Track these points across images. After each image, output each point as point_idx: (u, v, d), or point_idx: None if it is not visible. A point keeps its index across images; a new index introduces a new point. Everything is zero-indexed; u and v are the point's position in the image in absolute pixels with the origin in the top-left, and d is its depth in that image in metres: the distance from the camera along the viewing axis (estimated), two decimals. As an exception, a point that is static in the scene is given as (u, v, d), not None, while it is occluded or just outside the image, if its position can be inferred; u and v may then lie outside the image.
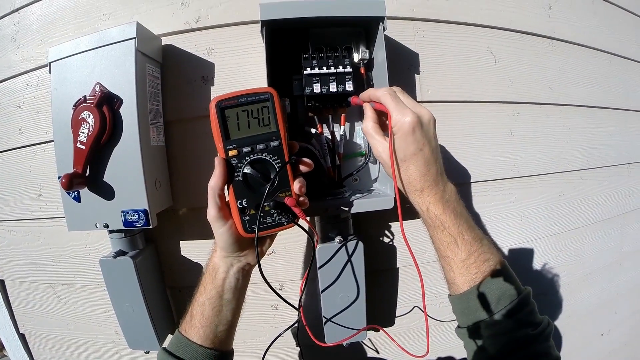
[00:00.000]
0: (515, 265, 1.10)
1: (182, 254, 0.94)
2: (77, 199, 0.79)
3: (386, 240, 0.97)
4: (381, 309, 1.03)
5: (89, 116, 0.72)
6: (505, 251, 1.09)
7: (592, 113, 1.18)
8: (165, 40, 0.85)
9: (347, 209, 0.70)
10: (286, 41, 0.75)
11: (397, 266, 0.99)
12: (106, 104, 0.73)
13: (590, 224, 1.27)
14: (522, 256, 1.13)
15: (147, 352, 0.93)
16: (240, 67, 0.85)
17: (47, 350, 1.20)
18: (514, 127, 1.01)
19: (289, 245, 0.94)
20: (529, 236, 1.11)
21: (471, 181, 0.97)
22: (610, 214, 1.33)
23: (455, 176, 0.95)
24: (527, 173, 1.05)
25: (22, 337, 1.22)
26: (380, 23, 0.70)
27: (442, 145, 0.93)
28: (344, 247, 0.76)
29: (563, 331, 1.36)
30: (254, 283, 0.92)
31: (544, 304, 1.27)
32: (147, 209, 0.75)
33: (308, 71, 0.71)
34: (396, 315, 1.04)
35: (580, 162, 1.17)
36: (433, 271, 1.01)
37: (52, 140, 0.91)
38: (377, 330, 1.02)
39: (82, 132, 0.72)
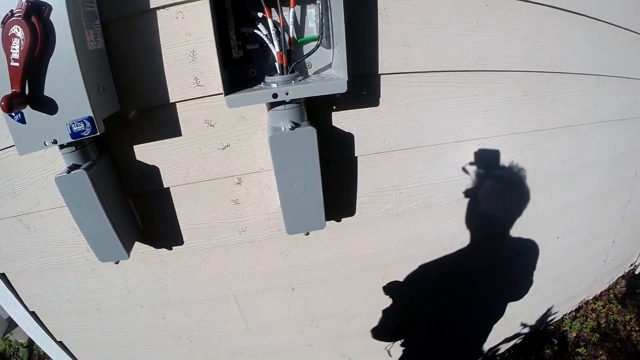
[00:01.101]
0: (481, 158, 1.16)
1: (137, 158, 0.94)
2: (22, 120, 0.76)
3: (343, 128, 0.98)
4: (341, 199, 1.08)
5: (19, 30, 0.68)
6: (468, 144, 1.12)
7: (564, 17, 1.15)
8: None
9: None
10: None
11: (356, 155, 1.01)
12: (34, 13, 0.68)
13: (554, 129, 1.29)
14: (486, 150, 1.16)
15: (116, 263, 0.95)
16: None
17: (28, 283, 1.23)
18: (481, 19, 0.99)
19: (242, 135, 0.94)
20: (493, 132, 1.13)
21: (432, 70, 0.96)
22: (575, 122, 1.36)
23: (415, 64, 0.94)
24: (492, 68, 1.05)
25: (3, 277, 1.22)
26: None
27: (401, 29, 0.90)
28: (297, 136, 0.76)
29: (522, 230, 1.45)
30: (213, 179, 0.94)
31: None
32: (92, 115, 0.73)
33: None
34: (356, 204, 1.09)
35: (548, 64, 1.17)
36: (391, 161, 1.06)
37: None
38: (338, 220, 1.06)
39: (14, 49, 0.68)
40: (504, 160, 1.23)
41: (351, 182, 1.09)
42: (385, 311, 1.43)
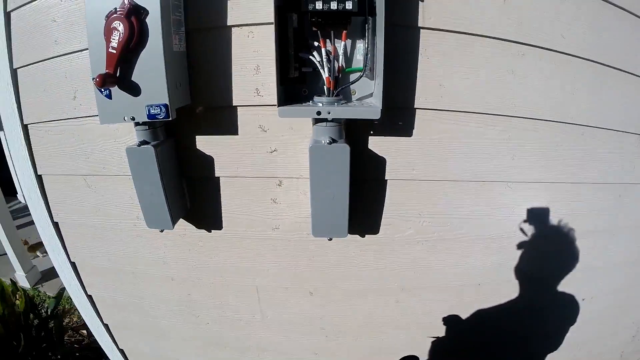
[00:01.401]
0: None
1: (197, 147, 1.12)
2: (109, 96, 0.96)
3: (377, 152, 1.10)
4: (368, 217, 1.20)
5: (120, 25, 0.88)
6: (494, 185, 1.19)
7: (603, 71, 1.21)
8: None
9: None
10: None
11: (386, 178, 1.12)
12: (134, 14, 0.88)
13: (587, 183, 1.32)
14: (513, 194, 1.22)
15: (161, 231, 1.12)
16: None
17: (77, 237, 1.45)
18: (517, 67, 1.08)
19: (289, 143, 1.09)
20: (520, 177, 1.20)
21: (465, 110, 1.06)
22: (610, 180, 1.37)
23: (448, 103, 1.05)
24: (525, 114, 1.13)
25: (56, 226, 1.45)
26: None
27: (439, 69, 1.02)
28: (333, 150, 0.89)
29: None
30: (258, 177, 1.09)
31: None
32: (168, 104, 0.91)
33: (312, -12, 0.81)
34: (381, 224, 1.20)
35: (583, 118, 1.22)
36: (418, 189, 1.15)
37: (85, 49, 1.08)
38: (362, 236, 1.16)
39: (114, 39, 0.88)
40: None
41: (379, 203, 1.19)
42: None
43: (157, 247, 1.35)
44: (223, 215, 1.22)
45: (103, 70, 0.89)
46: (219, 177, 1.17)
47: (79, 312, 2.77)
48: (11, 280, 2.07)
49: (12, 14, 1.18)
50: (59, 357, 1.99)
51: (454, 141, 1.12)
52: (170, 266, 1.38)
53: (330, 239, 1.10)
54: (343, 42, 0.91)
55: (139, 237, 1.35)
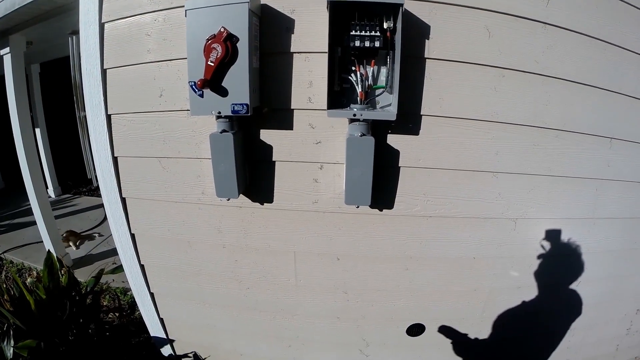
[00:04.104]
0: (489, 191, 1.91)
1: (260, 137, 1.86)
2: (201, 95, 1.66)
3: (394, 146, 1.83)
4: (385, 195, 1.92)
5: (218, 46, 1.58)
6: (482, 175, 1.90)
7: (575, 88, 1.91)
8: (262, 1, 1.70)
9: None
10: (341, 11, 1.56)
11: (399, 165, 1.85)
12: (229, 40, 1.58)
13: (564, 177, 2.02)
14: (498, 183, 1.93)
15: (228, 200, 1.82)
16: (312, 24, 1.69)
17: (141, 211, 2.16)
18: (499, 85, 1.79)
19: (330, 138, 1.82)
20: (503, 169, 1.91)
21: (458, 117, 1.78)
22: (586, 175, 2.06)
23: (446, 111, 1.77)
24: (505, 120, 1.83)
25: (123, 201, 2.16)
26: (400, 7, 1.51)
27: (438, 87, 1.75)
28: (363, 141, 1.61)
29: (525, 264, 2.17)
30: (306, 162, 1.81)
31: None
32: (248, 103, 1.62)
33: (352, 32, 1.55)
34: (395, 201, 1.93)
35: (557, 123, 1.91)
36: (423, 175, 1.86)
37: (175, 59, 1.82)
38: (380, 210, 1.89)
39: (212, 55, 1.59)
40: (511, 193, 2.00)
41: (394, 184, 1.90)
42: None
43: (215, 218, 2.06)
44: (275, 191, 1.94)
45: (198, 77, 1.59)
46: (274, 161, 1.88)
47: (109, 296, 3.52)
48: (57, 257, 2.75)
49: (106, 25, 1.90)
50: (92, 327, 2.70)
51: (450, 139, 1.82)
52: (224, 234, 2.08)
53: (358, 207, 1.82)
54: (372, 68, 1.63)
55: (200, 210, 2.05)
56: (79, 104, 3.82)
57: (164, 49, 1.85)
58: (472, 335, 2.38)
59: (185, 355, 2.67)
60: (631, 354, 2.99)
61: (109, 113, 2.02)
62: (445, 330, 2.34)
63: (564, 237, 2.17)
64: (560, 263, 2.26)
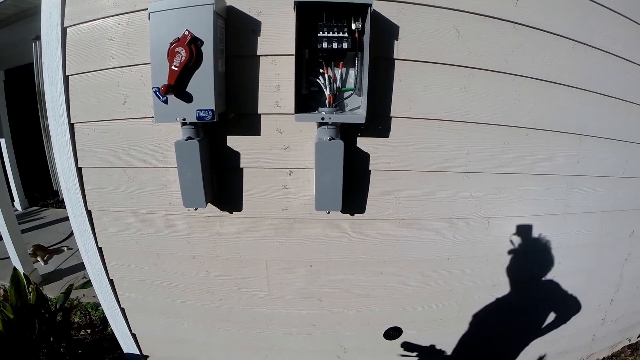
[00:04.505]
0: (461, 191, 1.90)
1: (227, 144, 1.80)
2: (165, 101, 1.60)
3: (363, 149, 1.80)
4: (356, 199, 1.89)
5: (182, 50, 1.52)
6: (453, 175, 1.89)
7: (544, 86, 1.92)
8: (228, 2, 1.64)
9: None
10: (308, 12, 1.52)
11: (370, 169, 1.82)
12: (193, 43, 1.53)
13: (535, 174, 2.03)
14: (470, 183, 1.92)
15: (195, 209, 1.76)
16: (279, 26, 1.64)
17: (107, 223, 2.08)
18: (469, 85, 1.78)
19: (299, 142, 1.78)
20: (473, 169, 1.90)
21: (428, 117, 1.76)
22: (557, 172, 2.08)
23: (416, 112, 1.75)
24: (475, 120, 1.82)
25: (89, 213, 2.07)
26: (369, 7, 1.48)
27: (408, 88, 1.72)
28: (332, 145, 1.57)
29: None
30: (274, 168, 1.76)
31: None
32: (214, 109, 1.56)
33: (320, 34, 1.50)
34: (366, 205, 1.89)
35: (527, 122, 1.92)
36: (394, 178, 1.83)
37: (138, 64, 1.75)
38: (352, 215, 1.85)
39: (176, 60, 1.53)
40: (482, 194, 1.99)
41: (364, 188, 1.86)
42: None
43: (183, 229, 1.98)
44: (244, 198, 1.88)
45: (162, 82, 1.52)
46: (242, 168, 1.82)
47: (80, 312, 3.39)
48: (24, 274, 2.63)
49: (68, 30, 1.81)
50: (64, 345, 2.58)
51: (420, 141, 1.80)
52: (193, 245, 2.01)
53: (329, 213, 1.78)
54: (340, 70, 1.59)
55: (168, 221, 1.98)
56: (44, 113, 3.69)
57: (127, 54, 1.78)
58: (447, 338, 2.38)
59: (159, 370, 2.59)
60: (606, 343, 3.05)
61: (72, 122, 1.92)
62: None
63: (537, 234, 2.19)
64: (534, 259, 2.28)
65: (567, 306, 2.53)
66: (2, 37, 3.45)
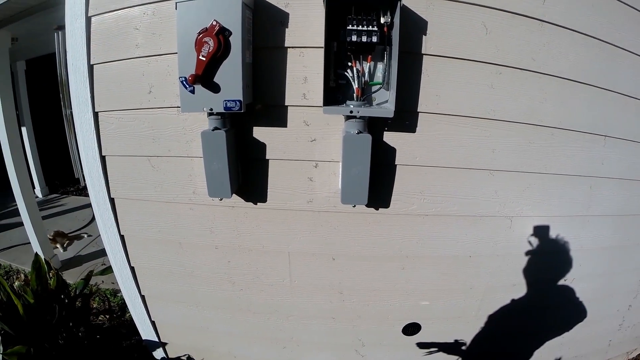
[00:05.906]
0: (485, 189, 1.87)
1: (253, 135, 1.79)
2: (192, 91, 1.59)
3: (390, 143, 1.78)
4: (381, 194, 1.87)
5: (210, 40, 1.51)
6: (478, 172, 1.86)
7: (570, 85, 1.87)
8: (256, -6, 1.64)
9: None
10: (338, 5, 1.50)
11: (396, 163, 1.80)
12: (221, 33, 1.52)
13: (559, 175, 1.99)
14: (494, 180, 1.89)
15: (220, 199, 1.76)
16: (307, 18, 1.62)
17: (130, 211, 2.09)
18: (495, 82, 1.75)
19: (325, 135, 1.76)
20: (498, 167, 1.87)
21: (455, 114, 1.74)
22: (580, 173, 2.04)
23: (442, 108, 1.72)
24: (501, 118, 1.79)
25: (112, 202, 2.09)
26: (399, 1, 1.45)
27: (436, 84, 1.70)
28: (359, 138, 1.55)
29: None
30: (300, 160, 1.74)
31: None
32: (241, 100, 1.55)
33: (349, 27, 1.48)
34: (391, 200, 1.88)
35: (552, 121, 1.88)
36: (420, 173, 1.81)
37: (164, 54, 1.74)
38: (377, 209, 1.84)
39: (204, 50, 1.52)
40: (507, 191, 1.96)
41: (390, 183, 1.85)
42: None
43: (207, 218, 1.99)
44: (269, 190, 1.88)
45: (189, 72, 1.52)
46: (268, 160, 1.82)
47: (98, 298, 3.43)
48: (45, 260, 2.66)
49: (93, 19, 1.81)
50: (82, 330, 2.62)
51: (446, 137, 1.78)
52: (216, 235, 2.02)
53: (354, 206, 1.76)
54: (368, 64, 1.58)
55: (191, 210, 1.98)
56: (66, 102, 3.72)
57: (153, 44, 1.77)
58: (465, 335, 2.36)
59: (178, 358, 2.61)
60: (623, 349, 3.00)
61: (96, 110, 1.93)
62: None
63: (558, 235, 2.15)
64: (554, 260, 2.24)
65: (585, 309, 2.48)
66: (24, 28, 3.49)
